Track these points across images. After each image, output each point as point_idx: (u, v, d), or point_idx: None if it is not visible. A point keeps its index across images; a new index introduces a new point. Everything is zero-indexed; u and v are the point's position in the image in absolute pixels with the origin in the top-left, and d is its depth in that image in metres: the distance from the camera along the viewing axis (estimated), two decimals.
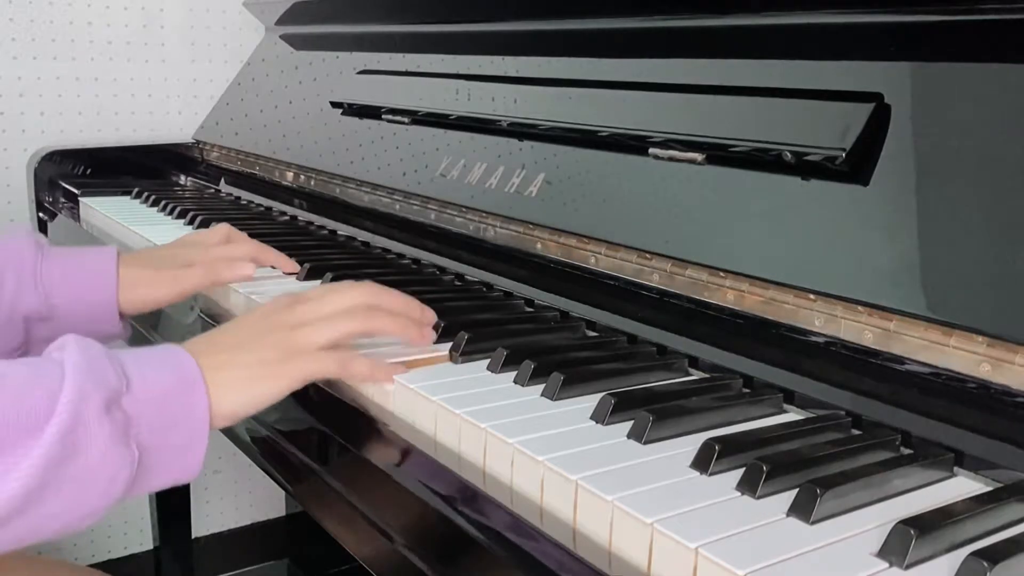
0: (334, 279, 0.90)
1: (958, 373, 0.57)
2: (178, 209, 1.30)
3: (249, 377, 0.63)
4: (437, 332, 0.74)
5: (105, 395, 0.55)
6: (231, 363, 0.63)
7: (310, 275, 0.95)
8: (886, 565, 0.45)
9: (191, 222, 1.23)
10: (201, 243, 0.90)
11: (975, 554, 0.44)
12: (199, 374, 0.60)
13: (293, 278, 0.95)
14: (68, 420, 0.53)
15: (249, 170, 1.48)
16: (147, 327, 0.96)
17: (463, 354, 0.72)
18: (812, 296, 0.65)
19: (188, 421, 0.59)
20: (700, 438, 0.56)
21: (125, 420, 0.56)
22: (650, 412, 0.58)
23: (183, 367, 0.60)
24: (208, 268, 0.86)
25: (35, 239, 0.84)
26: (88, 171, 1.54)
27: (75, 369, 0.55)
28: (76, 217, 1.41)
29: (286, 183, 1.37)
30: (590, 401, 0.62)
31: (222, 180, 1.56)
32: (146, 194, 1.41)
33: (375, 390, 0.69)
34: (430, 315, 0.73)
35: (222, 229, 0.92)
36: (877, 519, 0.49)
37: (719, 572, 0.44)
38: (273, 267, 0.93)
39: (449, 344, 0.73)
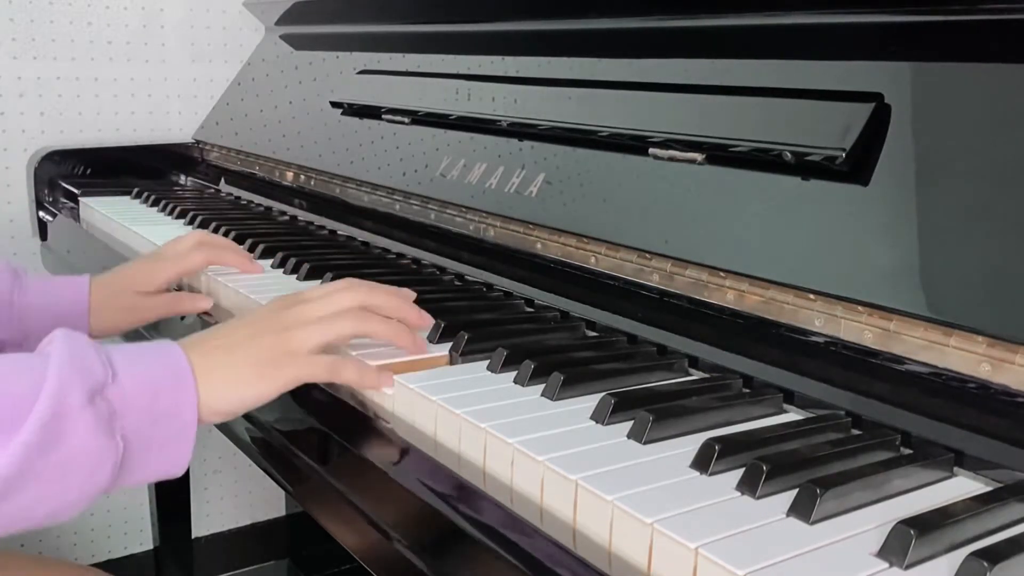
0: (334, 279, 0.90)
1: (958, 373, 0.57)
2: (178, 209, 1.30)
3: (240, 377, 0.63)
4: (437, 332, 0.74)
5: (89, 385, 0.55)
6: (224, 362, 0.63)
7: (310, 275, 0.95)
8: (886, 565, 0.45)
9: (191, 222, 1.23)
10: (170, 256, 0.93)
11: (975, 554, 0.44)
12: (189, 369, 0.61)
13: (283, 273, 0.96)
14: (49, 409, 0.53)
15: (249, 170, 1.48)
16: (147, 327, 0.96)
17: (463, 354, 0.72)
18: (812, 296, 0.65)
19: (176, 415, 0.59)
20: (700, 438, 0.56)
21: (109, 411, 0.56)
22: (650, 412, 0.58)
23: (173, 362, 0.61)
24: (170, 302, 0.91)
25: (12, 268, 0.87)
26: (88, 171, 1.55)
27: (59, 361, 0.56)
28: (76, 217, 1.41)
29: (286, 183, 1.37)
30: (590, 401, 0.62)
31: (222, 180, 1.56)
32: (146, 194, 1.41)
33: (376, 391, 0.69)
34: (427, 320, 0.73)
35: (193, 237, 0.94)
36: (877, 519, 0.49)
37: (719, 572, 0.44)
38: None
39: (448, 344, 0.73)
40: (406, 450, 0.61)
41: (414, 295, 0.75)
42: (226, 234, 1.11)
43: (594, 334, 0.80)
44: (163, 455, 0.60)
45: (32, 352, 0.59)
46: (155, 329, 0.97)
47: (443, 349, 0.73)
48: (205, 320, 0.91)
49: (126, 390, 0.57)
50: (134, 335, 0.94)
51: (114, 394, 0.57)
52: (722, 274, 0.71)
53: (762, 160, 0.71)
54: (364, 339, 0.71)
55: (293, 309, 0.68)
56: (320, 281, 0.92)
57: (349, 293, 0.70)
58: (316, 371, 0.66)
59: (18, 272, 0.87)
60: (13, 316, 0.85)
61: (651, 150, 0.80)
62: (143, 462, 0.59)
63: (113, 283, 0.91)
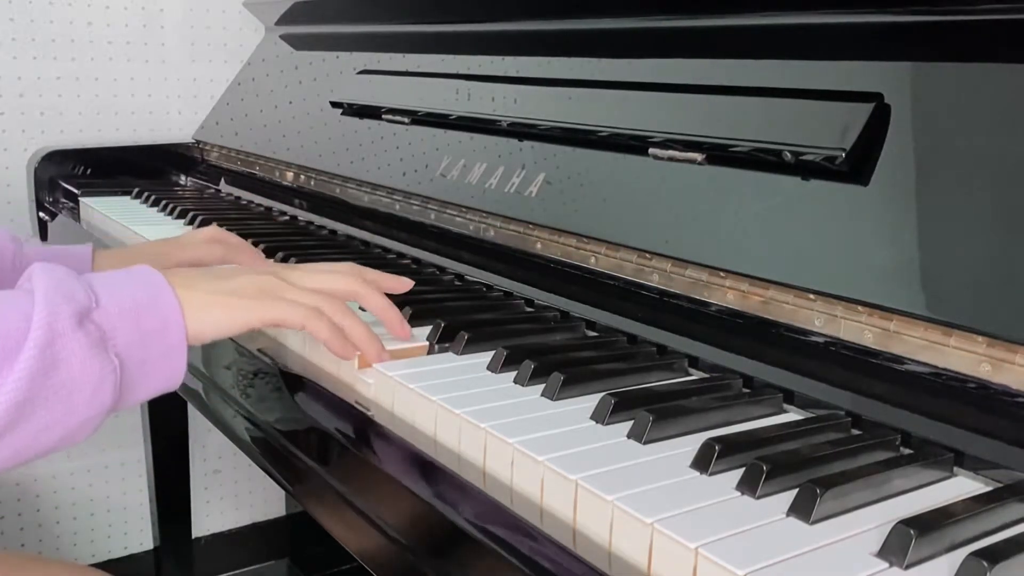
0: None
1: (958, 373, 0.57)
2: (178, 209, 1.30)
3: (219, 303, 0.65)
4: (437, 332, 0.74)
5: (76, 309, 0.57)
6: (203, 287, 0.66)
7: None
8: (886, 565, 0.45)
9: (191, 222, 1.23)
10: (186, 243, 0.94)
11: (975, 554, 0.44)
12: (169, 289, 0.63)
13: None
14: (44, 335, 0.55)
15: (249, 170, 1.48)
16: None
17: (463, 354, 0.72)
18: (812, 296, 0.65)
19: (163, 333, 0.61)
20: (700, 438, 0.56)
21: (99, 333, 0.58)
22: (650, 412, 0.58)
23: (150, 280, 0.63)
24: None
25: (11, 235, 0.88)
26: (88, 171, 1.55)
27: (44, 290, 0.57)
28: (76, 217, 1.41)
29: (286, 183, 1.37)
30: (590, 401, 0.62)
31: (222, 180, 1.56)
32: (146, 194, 1.41)
33: (376, 390, 0.69)
34: (406, 332, 0.74)
35: (208, 231, 0.96)
36: (877, 519, 0.49)
37: (719, 572, 0.44)
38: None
39: (447, 344, 0.73)
40: (406, 450, 0.61)
41: (411, 284, 0.77)
42: None
43: (594, 334, 0.80)
44: (158, 371, 0.62)
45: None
46: None
47: (443, 349, 0.73)
48: None
49: (110, 312, 0.59)
50: None
51: (100, 317, 0.58)
52: (722, 274, 0.71)
53: (762, 160, 0.71)
54: None
55: (284, 271, 0.71)
56: None
57: (343, 278, 0.72)
58: (292, 314, 0.67)
59: (18, 239, 0.89)
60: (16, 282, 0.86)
61: (651, 150, 0.80)
62: (141, 378, 0.61)
63: (123, 255, 0.93)
